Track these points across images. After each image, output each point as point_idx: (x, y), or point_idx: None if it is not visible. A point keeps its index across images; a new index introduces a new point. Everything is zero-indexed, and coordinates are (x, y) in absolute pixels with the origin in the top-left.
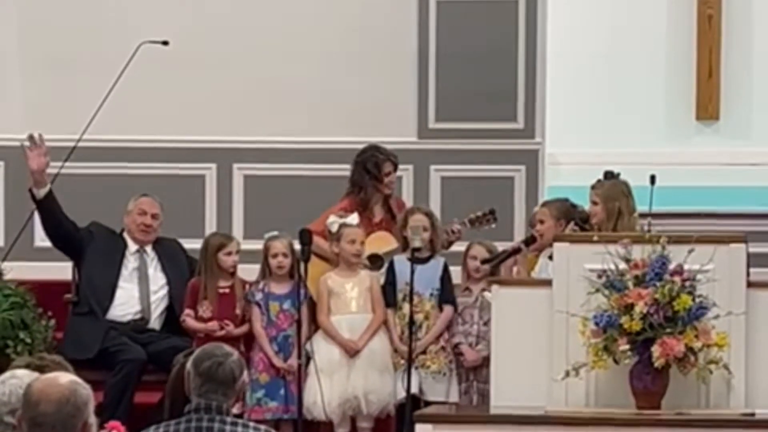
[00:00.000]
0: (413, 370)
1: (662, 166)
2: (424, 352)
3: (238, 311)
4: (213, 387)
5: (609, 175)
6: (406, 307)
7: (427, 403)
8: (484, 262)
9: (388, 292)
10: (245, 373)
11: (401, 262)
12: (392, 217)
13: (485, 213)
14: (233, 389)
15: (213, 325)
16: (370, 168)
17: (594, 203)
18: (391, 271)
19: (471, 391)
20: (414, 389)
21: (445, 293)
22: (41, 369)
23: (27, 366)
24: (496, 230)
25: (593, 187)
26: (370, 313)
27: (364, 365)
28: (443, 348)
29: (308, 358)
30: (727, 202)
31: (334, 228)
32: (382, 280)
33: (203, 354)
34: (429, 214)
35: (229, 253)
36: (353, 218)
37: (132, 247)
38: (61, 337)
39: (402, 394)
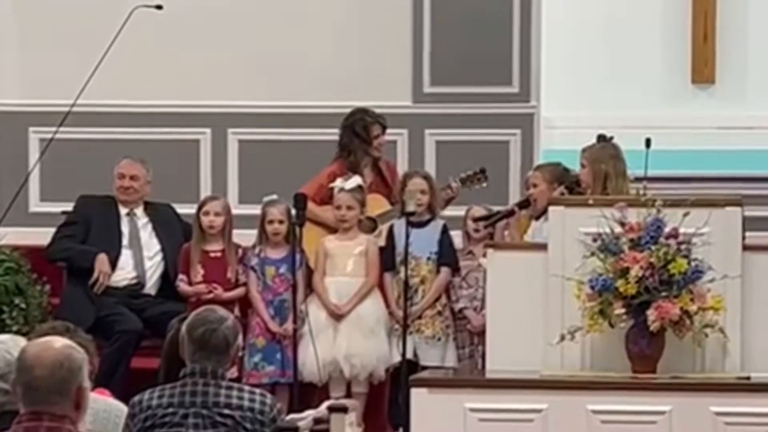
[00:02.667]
0: (409, 335)
1: (658, 129)
2: (419, 317)
3: (229, 275)
4: (206, 354)
5: (601, 139)
6: (404, 271)
7: (423, 368)
8: (476, 220)
9: (387, 256)
10: (240, 337)
11: (400, 226)
12: (383, 179)
13: (476, 172)
14: (227, 355)
15: (201, 288)
16: (359, 131)
17: (582, 166)
18: (390, 235)
19: (476, 355)
20: (409, 354)
21: (444, 256)
22: (71, 330)
23: (53, 329)
24: (491, 193)
25: (583, 150)
26: (363, 277)
27: (349, 329)
28: (440, 312)
29: (303, 320)
30: (723, 165)
31: (335, 192)
32: (380, 243)
33: (197, 320)
34: (427, 178)
35: (207, 213)
36: (352, 181)
37: (122, 211)
38: (57, 304)
39: (398, 358)
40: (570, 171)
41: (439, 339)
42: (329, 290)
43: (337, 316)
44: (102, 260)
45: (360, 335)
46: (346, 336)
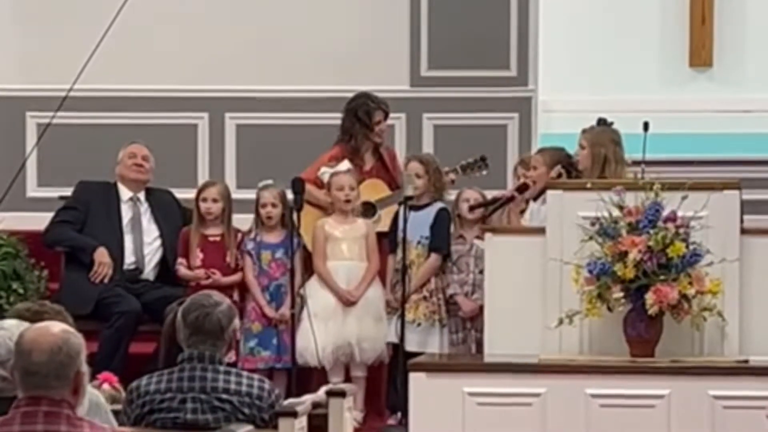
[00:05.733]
0: (393, 319)
1: (656, 113)
2: (404, 301)
3: (228, 260)
4: (201, 338)
5: (602, 123)
6: (398, 255)
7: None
8: (473, 207)
9: (391, 240)
10: (235, 321)
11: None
12: (383, 165)
13: (476, 160)
14: (222, 339)
15: (199, 273)
16: (361, 116)
17: (581, 147)
18: (395, 219)
19: (468, 341)
20: (394, 338)
21: (434, 241)
22: (40, 315)
23: (27, 310)
24: (489, 178)
25: (583, 131)
26: (364, 261)
27: (359, 313)
28: (425, 298)
29: (302, 305)
30: (721, 148)
31: (326, 178)
32: (376, 228)
33: (191, 304)
34: (424, 161)
35: (205, 199)
36: (343, 165)
37: (125, 195)
38: (56, 289)
39: (388, 340)
40: (572, 157)
41: (419, 324)
42: (337, 275)
43: (350, 303)
44: (102, 253)
45: (370, 319)
46: (357, 320)
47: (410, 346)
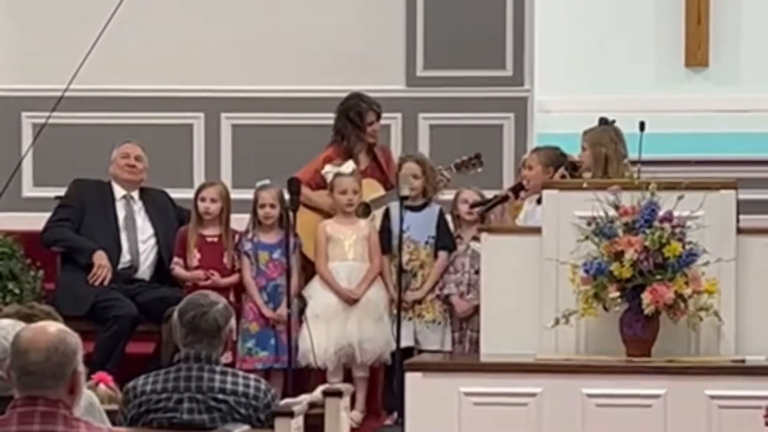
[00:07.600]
0: (408, 320)
1: (652, 112)
2: (420, 302)
3: (225, 260)
4: (197, 337)
5: (603, 122)
6: (404, 255)
7: (420, 352)
8: (474, 205)
9: (384, 239)
10: (232, 321)
11: (397, 209)
12: (378, 164)
13: (471, 157)
14: (218, 338)
15: (198, 273)
16: (353, 117)
17: (583, 149)
18: (386, 218)
19: (464, 340)
20: (410, 339)
21: (441, 239)
22: (30, 317)
23: (16, 313)
24: (485, 177)
25: (584, 133)
26: (367, 262)
27: (360, 314)
28: (438, 296)
29: (304, 306)
30: (717, 148)
31: (329, 178)
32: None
33: (188, 304)
34: (420, 162)
35: (203, 199)
36: (348, 166)
37: (118, 194)
38: (52, 289)
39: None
40: (567, 156)
41: (439, 323)
42: (339, 275)
43: (352, 301)
44: (100, 256)
45: (371, 320)
46: (357, 321)
47: (431, 345)
